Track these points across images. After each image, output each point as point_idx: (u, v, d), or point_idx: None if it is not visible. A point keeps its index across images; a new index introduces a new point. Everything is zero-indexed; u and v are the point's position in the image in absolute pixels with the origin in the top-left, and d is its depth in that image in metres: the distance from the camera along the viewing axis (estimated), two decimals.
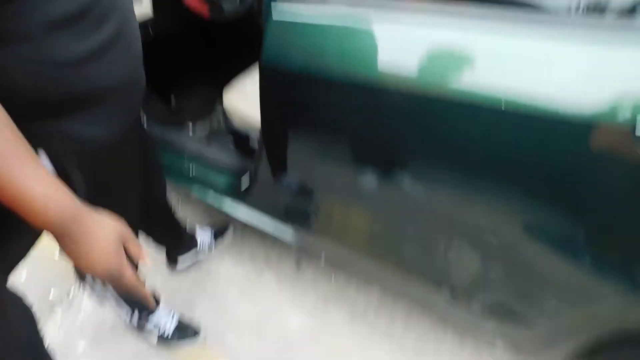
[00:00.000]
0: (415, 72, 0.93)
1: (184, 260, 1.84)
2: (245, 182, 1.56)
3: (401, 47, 0.96)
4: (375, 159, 1.14)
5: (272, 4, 1.08)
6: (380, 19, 0.99)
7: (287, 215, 1.47)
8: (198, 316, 1.66)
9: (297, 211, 1.43)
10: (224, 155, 1.68)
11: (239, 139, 1.77)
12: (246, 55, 1.89)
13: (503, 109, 0.84)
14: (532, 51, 0.84)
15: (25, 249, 1.45)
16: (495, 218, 1.02)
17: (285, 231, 1.51)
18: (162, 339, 1.58)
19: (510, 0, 0.90)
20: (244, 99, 1.70)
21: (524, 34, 0.85)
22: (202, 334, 1.61)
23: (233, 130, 1.78)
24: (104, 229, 0.70)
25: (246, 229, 1.99)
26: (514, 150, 0.90)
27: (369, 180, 1.16)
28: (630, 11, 0.81)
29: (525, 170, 0.91)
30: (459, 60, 0.90)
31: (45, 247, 2.00)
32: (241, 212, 1.58)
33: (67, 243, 0.67)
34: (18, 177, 0.63)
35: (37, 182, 0.65)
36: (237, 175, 1.60)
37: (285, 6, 1.07)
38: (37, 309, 1.77)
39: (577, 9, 0.85)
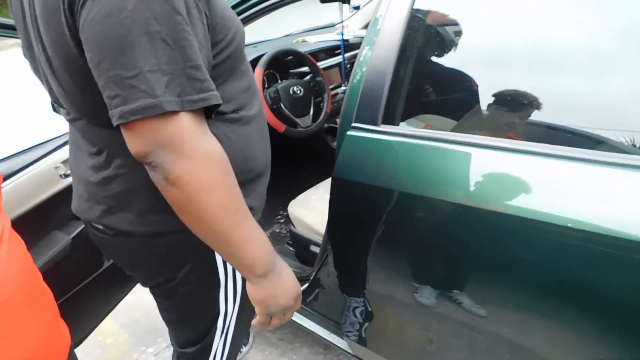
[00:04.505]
0: (486, 196, 0.98)
1: None
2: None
3: (471, 172, 1.03)
4: (438, 276, 1.18)
5: (348, 123, 1.22)
6: (451, 144, 1.06)
7: (343, 324, 1.49)
8: None
9: (354, 321, 1.45)
10: (284, 259, 1.75)
11: (300, 245, 1.85)
12: (314, 170, 2.03)
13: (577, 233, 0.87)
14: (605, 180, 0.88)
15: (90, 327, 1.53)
16: (557, 345, 1.01)
17: (338, 339, 1.51)
18: None
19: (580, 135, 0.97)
20: (308, 209, 1.81)
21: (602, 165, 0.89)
22: None
23: (295, 236, 1.86)
24: (288, 270, 0.88)
25: (297, 339, 2.00)
26: (582, 274, 0.91)
27: (429, 297, 1.19)
28: None
29: (596, 296, 0.91)
30: (527, 185, 0.95)
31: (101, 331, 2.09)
32: (295, 315, 1.62)
33: (266, 280, 0.83)
34: (248, 220, 0.79)
35: (257, 227, 0.82)
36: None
37: (359, 126, 1.20)
38: None
39: None
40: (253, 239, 0.80)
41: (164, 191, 0.73)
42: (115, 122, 0.69)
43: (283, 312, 0.89)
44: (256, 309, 0.88)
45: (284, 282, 0.86)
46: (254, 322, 0.91)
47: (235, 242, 0.77)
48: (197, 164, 0.70)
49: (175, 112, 0.68)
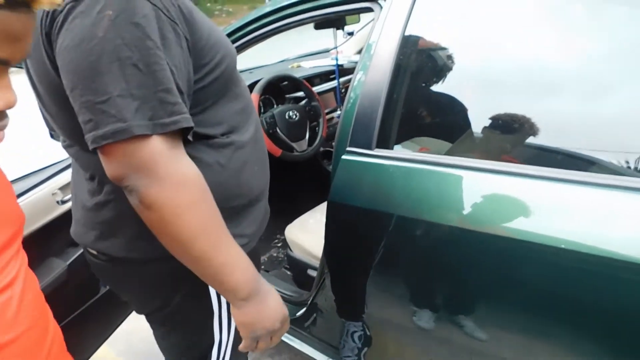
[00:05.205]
0: (482, 218, 0.99)
1: None
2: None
3: (466, 195, 1.03)
4: (436, 299, 1.18)
5: (343, 148, 1.23)
6: (445, 167, 1.07)
7: (342, 348, 1.48)
8: None
9: (352, 346, 1.44)
10: (281, 283, 1.75)
11: (297, 268, 1.85)
12: (310, 194, 2.04)
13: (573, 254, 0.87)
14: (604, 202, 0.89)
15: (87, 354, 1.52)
16: None
17: None
18: None
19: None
20: (304, 233, 1.81)
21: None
22: None
23: (292, 260, 1.86)
24: (274, 293, 0.87)
25: None
26: (581, 295, 0.91)
27: (428, 320, 1.18)
28: None
29: (594, 317, 0.91)
30: (522, 207, 0.96)
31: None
32: (293, 340, 1.61)
33: (250, 303, 0.82)
34: (228, 242, 0.78)
35: (239, 250, 0.80)
36: (293, 303, 1.64)
37: (354, 150, 1.21)
38: None
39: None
40: (234, 262, 0.79)
41: (141, 214, 0.73)
42: (90, 147, 0.71)
43: (269, 336, 0.88)
44: (241, 333, 0.87)
45: (269, 305, 0.85)
46: (240, 346, 0.89)
47: (216, 264, 0.77)
48: (171, 187, 0.71)
49: (147, 136, 0.69)
